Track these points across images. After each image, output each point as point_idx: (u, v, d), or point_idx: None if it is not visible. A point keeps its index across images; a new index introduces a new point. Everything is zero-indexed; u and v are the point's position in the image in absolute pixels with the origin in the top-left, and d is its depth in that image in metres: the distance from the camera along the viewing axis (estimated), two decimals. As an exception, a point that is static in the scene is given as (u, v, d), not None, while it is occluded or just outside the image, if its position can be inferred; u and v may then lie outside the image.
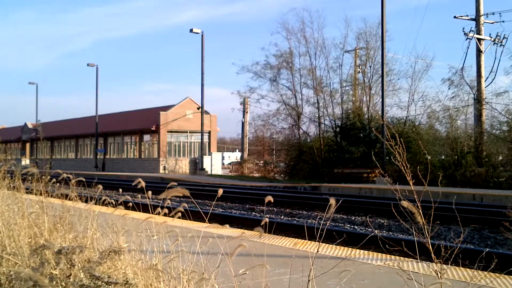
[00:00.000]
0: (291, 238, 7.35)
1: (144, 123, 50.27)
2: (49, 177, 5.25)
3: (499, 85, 41.22)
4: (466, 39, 27.59)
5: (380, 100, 28.50)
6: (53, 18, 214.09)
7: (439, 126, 30.12)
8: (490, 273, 4.49)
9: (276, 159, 44.60)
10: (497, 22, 27.86)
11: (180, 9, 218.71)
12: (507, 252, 8.54)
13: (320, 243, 6.29)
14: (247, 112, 46.45)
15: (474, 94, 27.69)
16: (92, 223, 4.07)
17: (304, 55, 37.02)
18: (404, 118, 32.32)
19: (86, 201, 4.80)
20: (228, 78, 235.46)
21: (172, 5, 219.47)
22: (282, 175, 37.97)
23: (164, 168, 47.68)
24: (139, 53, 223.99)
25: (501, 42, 27.47)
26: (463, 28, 27.68)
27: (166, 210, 3.55)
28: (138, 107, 69.58)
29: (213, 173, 42.37)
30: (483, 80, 27.30)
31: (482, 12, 27.63)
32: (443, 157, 26.74)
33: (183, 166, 47.72)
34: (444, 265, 2.49)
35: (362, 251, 6.15)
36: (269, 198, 3.21)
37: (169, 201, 3.41)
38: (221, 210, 15.71)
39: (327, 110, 35.69)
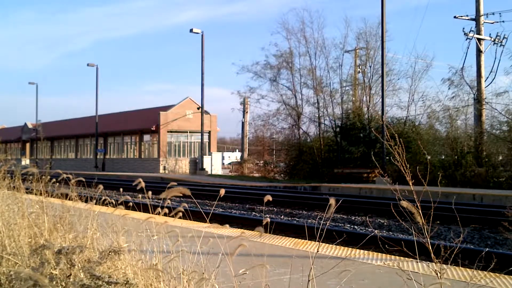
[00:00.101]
0: (291, 238, 7.35)
1: (144, 123, 50.27)
2: (49, 177, 5.26)
3: (499, 85, 41.28)
4: (466, 39, 27.61)
5: (380, 100, 28.51)
6: (53, 18, 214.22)
7: (439, 126, 30.16)
8: (490, 273, 4.50)
9: (276, 159, 44.60)
10: (497, 22, 27.89)
11: (180, 9, 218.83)
12: (507, 252, 8.54)
13: (320, 243, 6.30)
14: (247, 112, 46.45)
15: (474, 94, 27.69)
16: (92, 223, 4.07)
17: (304, 55, 37.08)
18: (404, 118, 32.34)
19: (86, 201, 4.81)
20: (228, 78, 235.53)
21: (172, 5, 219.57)
22: (282, 175, 37.97)
23: (164, 168, 47.68)
24: (139, 53, 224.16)
25: (501, 42, 27.48)
26: (463, 28, 27.72)
27: (166, 210, 3.56)
28: (138, 107, 69.66)
29: (213, 173, 42.37)
30: (483, 80, 27.30)
31: (482, 12, 27.63)
32: (443, 157, 26.74)
33: (183, 166, 47.72)
34: (444, 265, 2.49)
35: (362, 251, 6.15)
36: (268, 197, 3.23)
37: (169, 201, 3.41)
38: (221, 210, 15.72)
39: (327, 110, 35.72)
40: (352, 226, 12.13)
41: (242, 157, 48.61)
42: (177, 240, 3.27)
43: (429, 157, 26.26)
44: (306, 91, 37.89)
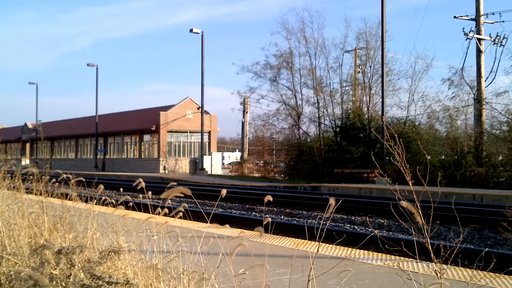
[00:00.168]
0: (291, 238, 7.35)
1: (144, 123, 50.28)
2: (49, 177, 5.26)
3: (499, 85, 41.28)
4: (466, 39, 27.61)
5: (380, 100, 28.51)
6: (53, 18, 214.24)
7: (439, 126, 30.16)
8: (490, 273, 4.50)
9: (276, 159, 44.60)
10: (497, 22, 27.89)
11: (180, 9, 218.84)
12: (506, 252, 8.54)
13: (320, 243, 6.30)
14: (247, 112, 46.45)
15: (474, 94, 27.69)
16: (92, 223, 4.07)
17: (304, 55, 37.07)
18: (404, 118, 32.34)
19: (86, 201, 4.81)
20: (228, 78, 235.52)
21: (172, 5, 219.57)
22: (282, 175, 37.97)
23: (164, 168, 47.69)
24: (139, 53, 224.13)
25: (501, 42, 27.48)
26: (463, 28, 27.72)
27: (166, 210, 3.56)
28: (138, 107, 69.66)
29: (213, 173, 42.37)
30: (483, 80, 27.30)
31: (482, 12, 27.64)
32: (443, 157, 26.74)
33: (183, 166, 47.73)
34: (444, 265, 2.49)
35: (362, 251, 6.15)
36: (269, 198, 3.22)
37: (169, 201, 3.41)
38: (221, 210, 15.72)
39: (327, 110, 35.72)
40: (352, 226, 12.13)
41: (242, 157, 48.62)
42: (177, 240, 3.27)
43: (429, 157, 26.27)
44: (306, 91, 37.95)
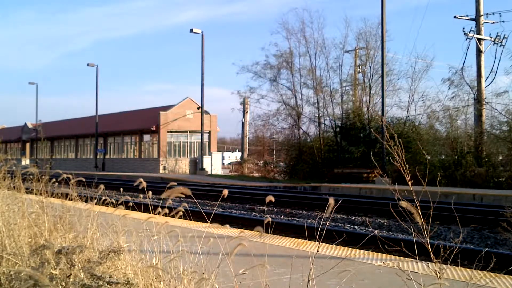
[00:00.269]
0: (291, 238, 7.35)
1: (144, 123, 50.28)
2: (49, 177, 5.26)
3: (499, 85, 41.34)
4: (466, 39, 27.61)
5: (380, 100, 28.51)
6: (53, 18, 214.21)
7: (439, 126, 30.17)
8: (489, 272, 4.50)
9: (276, 159, 44.61)
10: (497, 22, 27.89)
11: (180, 9, 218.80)
12: (506, 252, 8.54)
13: (320, 243, 6.31)
14: (247, 112, 46.46)
15: (474, 94, 27.70)
16: (92, 223, 4.07)
17: (304, 55, 37.08)
18: (404, 118, 32.35)
19: (86, 201, 4.81)
20: (228, 78, 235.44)
21: (172, 5, 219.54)
22: (282, 175, 37.97)
23: (164, 168, 47.70)
24: (139, 53, 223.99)
25: (501, 42, 27.48)
26: (463, 28, 27.73)
27: (166, 210, 3.56)
28: (138, 107, 69.63)
29: (213, 173, 42.37)
30: (483, 80, 27.30)
31: (482, 12, 27.64)
32: (443, 157, 26.74)
33: (183, 166, 47.74)
34: (444, 265, 2.49)
35: (362, 251, 6.15)
36: (270, 198, 3.21)
37: (170, 201, 3.41)
38: (221, 210, 15.72)
39: (327, 110, 35.72)
40: (352, 226, 12.13)
41: (242, 157, 48.62)
42: (177, 240, 3.27)
43: (429, 157, 26.28)
44: (306, 91, 37.93)
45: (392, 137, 2.67)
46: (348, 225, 12.26)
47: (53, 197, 5.08)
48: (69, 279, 3.00)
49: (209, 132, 50.32)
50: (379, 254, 5.97)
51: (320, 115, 35.81)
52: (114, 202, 4.34)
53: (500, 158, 26.32)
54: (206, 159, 42.78)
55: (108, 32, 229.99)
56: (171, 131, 49.29)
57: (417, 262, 5.12)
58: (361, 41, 35.74)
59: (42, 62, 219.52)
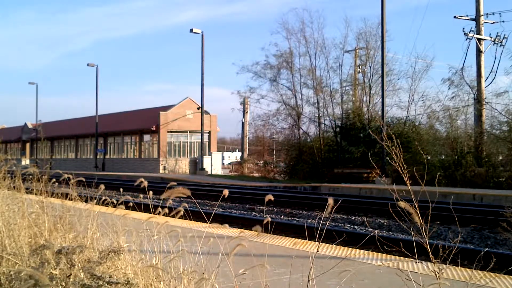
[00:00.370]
0: (291, 238, 7.36)
1: (144, 123, 50.28)
2: (49, 177, 5.26)
3: (499, 85, 41.32)
4: (466, 39, 27.60)
5: (380, 100, 28.50)
6: (53, 18, 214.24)
7: (439, 126, 30.16)
8: (489, 272, 4.50)
9: (276, 159, 44.60)
10: (497, 22, 27.88)
11: (180, 9, 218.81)
12: (506, 252, 8.54)
13: (320, 243, 6.31)
14: (247, 112, 46.46)
15: (474, 94, 27.69)
16: (92, 223, 4.07)
17: (304, 55, 37.06)
18: (404, 118, 32.34)
19: (86, 201, 4.81)
20: (228, 78, 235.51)
21: (172, 5, 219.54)
22: (282, 175, 37.97)
23: (164, 168, 47.70)
24: (139, 53, 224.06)
25: (501, 42, 27.47)
26: (463, 28, 27.72)
27: (166, 210, 3.56)
28: (138, 107, 69.66)
29: (213, 173, 42.37)
30: (483, 80, 27.30)
31: (482, 12, 27.63)
32: (443, 157, 26.74)
33: (183, 166, 47.74)
34: (443, 265, 2.50)
35: (362, 251, 6.15)
36: (269, 197, 3.22)
37: (170, 201, 3.41)
38: (221, 210, 15.72)
39: (327, 110, 35.72)
40: (352, 226, 12.13)
41: (242, 157, 48.62)
42: (177, 240, 3.27)
43: (429, 157, 26.28)
44: (306, 91, 37.92)
45: (390, 137, 2.67)
46: (348, 225, 12.26)
47: (53, 197, 5.08)
48: (69, 279, 3.00)
49: (209, 132, 50.32)
50: (379, 254, 5.97)
51: (320, 115, 35.83)
52: (115, 202, 4.35)
53: (500, 158, 26.31)
54: (206, 159, 42.78)
55: (108, 32, 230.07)
56: (171, 131, 49.29)
57: (416, 262, 5.12)
58: (361, 41, 35.77)
59: (42, 62, 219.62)
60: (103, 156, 54.08)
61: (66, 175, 4.77)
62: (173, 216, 3.48)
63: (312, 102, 36.68)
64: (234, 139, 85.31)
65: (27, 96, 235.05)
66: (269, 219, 3.21)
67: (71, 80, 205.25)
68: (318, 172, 31.88)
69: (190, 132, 49.72)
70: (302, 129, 37.35)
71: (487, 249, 6.92)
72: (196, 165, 43.15)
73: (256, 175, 40.31)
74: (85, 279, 2.92)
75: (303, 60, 37.25)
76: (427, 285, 2.37)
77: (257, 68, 38.80)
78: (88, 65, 50.56)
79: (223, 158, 63.69)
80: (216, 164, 45.39)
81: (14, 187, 5.56)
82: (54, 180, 5.40)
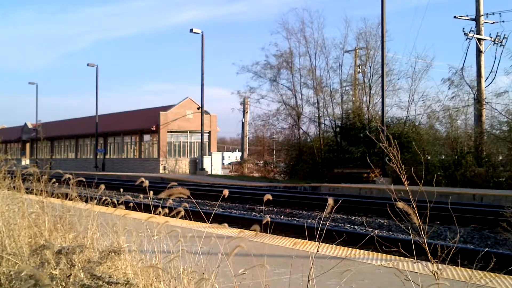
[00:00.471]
0: (291, 238, 7.36)
1: (144, 123, 50.28)
2: (49, 177, 5.26)
3: (499, 85, 41.35)
4: (466, 39, 27.60)
5: (380, 100, 28.50)
6: (53, 18, 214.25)
7: (439, 126, 30.15)
8: (489, 272, 4.50)
9: (276, 159, 44.60)
10: (497, 22, 27.88)
11: (180, 9, 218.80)
12: (506, 252, 8.54)
13: (320, 243, 6.31)
14: (247, 112, 46.46)
15: (474, 94, 27.69)
16: (92, 223, 4.07)
17: (304, 55, 37.06)
18: (404, 118, 32.33)
19: (86, 201, 4.81)
20: (228, 78, 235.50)
21: (172, 5, 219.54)
22: (282, 175, 37.97)
23: (164, 168, 47.70)
24: (139, 53, 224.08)
25: (501, 42, 27.47)
26: (463, 28, 27.71)
27: (167, 210, 3.57)
28: (138, 107, 69.70)
29: (213, 173, 42.37)
30: (483, 80, 27.30)
31: (482, 12, 27.63)
32: (443, 157, 26.74)
33: (183, 166, 47.74)
34: (443, 265, 2.50)
35: (362, 251, 6.15)
36: (268, 196, 3.24)
37: (171, 201, 3.42)
38: (221, 210, 15.72)
39: (327, 110, 35.72)
40: (352, 226, 12.13)
41: (242, 157, 48.61)
42: (177, 240, 3.27)
43: (429, 157, 26.28)
44: (306, 91, 37.93)
45: (388, 138, 2.67)
46: (348, 225, 12.26)
47: (53, 197, 5.08)
48: (69, 279, 3.00)
49: (209, 132, 50.33)
50: (379, 254, 5.96)
51: (320, 115, 35.83)
52: (115, 201, 4.35)
53: (500, 158, 26.31)
54: (206, 159, 42.79)
55: (108, 32, 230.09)
56: (171, 131, 49.29)
57: (416, 262, 5.12)
58: (361, 41, 35.78)
59: (42, 62, 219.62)
60: (103, 156, 54.08)
61: (66, 175, 4.78)
62: (173, 216, 3.48)
63: (312, 102, 36.73)
64: (234, 139, 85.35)
65: (27, 96, 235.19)
66: (269, 219, 3.22)
67: (71, 80, 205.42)
68: (318, 172, 31.88)
69: (190, 132, 49.72)
70: (302, 129, 37.39)
71: (487, 249, 6.92)
72: (196, 165, 43.15)
73: (256, 175, 40.31)
74: (85, 279, 2.92)
75: (303, 60, 37.30)
76: (427, 285, 2.38)
77: (257, 68, 38.84)
78: (88, 65, 50.59)
79: (223, 158, 63.70)
80: (216, 164, 45.39)
81: (14, 187, 5.56)
82: (54, 180, 5.40)
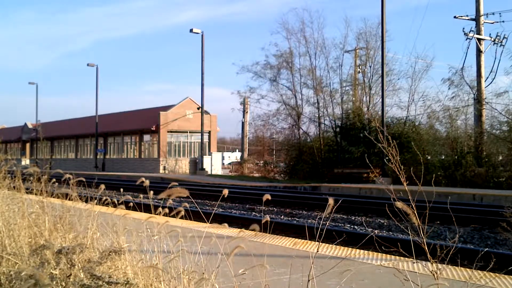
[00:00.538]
0: (291, 238, 7.36)
1: (144, 123, 50.28)
2: (49, 177, 5.26)
3: (499, 85, 41.33)
4: (466, 39, 27.60)
5: (380, 100, 28.50)
6: (53, 18, 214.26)
7: (439, 126, 30.15)
8: (489, 272, 4.50)
9: (276, 159, 44.61)
10: (497, 22, 27.87)
11: (180, 9, 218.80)
12: (506, 252, 8.55)
13: (320, 243, 6.31)
14: (247, 112, 46.46)
15: (474, 94, 27.69)
16: (92, 223, 4.08)
17: (304, 55, 37.07)
18: (404, 118, 32.33)
19: (86, 201, 4.81)
20: (228, 78, 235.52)
21: (172, 5, 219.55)
22: (282, 175, 37.97)
23: (164, 168, 47.70)
24: (139, 53, 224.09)
25: (501, 42, 27.47)
26: (463, 28, 27.71)
27: (167, 210, 3.57)
28: (138, 107, 69.69)
29: (213, 173, 42.37)
30: (483, 80, 27.30)
31: (482, 12, 27.63)
32: (443, 157, 26.75)
33: (183, 166, 47.74)
34: (443, 265, 2.50)
35: (362, 251, 6.15)
36: (267, 196, 3.24)
37: (171, 201, 3.42)
38: (221, 210, 15.72)
39: (327, 110, 35.72)
40: (352, 226, 12.13)
41: (242, 157, 48.62)
42: (177, 240, 3.28)
43: (429, 157, 26.28)
44: (306, 91, 37.93)
45: (388, 138, 2.67)
46: (348, 225, 12.26)
47: (53, 197, 5.08)
48: (69, 279, 3.01)
49: (209, 132, 50.33)
50: (379, 254, 5.96)
51: (320, 115, 35.83)
52: (115, 201, 4.35)
53: (500, 158, 26.31)
54: (206, 159, 42.79)
55: (108, 32, 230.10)
56: (171, 131, 49.30)
57: (416, 262, 5.12)
58: (361, 41, 35.78)
59: (42, 62, 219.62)
60: (103, 156, 54.08)
61: (66, 175, 4.78)
62: (173, 216, 3.48)
63: (312, 102, 36.73)
64: (234, 139, 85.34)
65: (27, 96, 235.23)
66: (268, 218, 3.22)
67: (71, 80, 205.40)
68: (318, 172, 31.88)
69: (190, 132, 49.72)
70: (302, 129, 37.39)
71: (487, 249, 6.93)
72: (196, 165, 43.15)
73: (256, 175, 40.32)
74: (85, 279, 2.92)
75: (303, 60, 37.31)
76: (426, 285, 2.38)
77: (257, 68, 38.85)
78: (88, 65, 50.59)
79: (223, 158, 63.69)
80: (216, 164, 45.40)
81: (14, 187, 5.56)
82: (54, 180, 5.40)
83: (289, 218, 13.70)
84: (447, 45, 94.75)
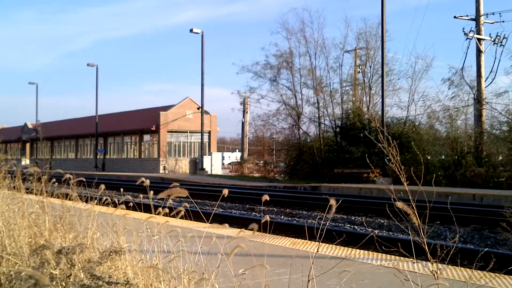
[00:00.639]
0: (291, 238, 7.36)
1: (144, 123, 50.28)
2: (49, 177, 5.26)
3: (499, 85, 41.38)
4: (466, 39, 27.60)
5: (380, 100, 28.50)
6: (53, 18, 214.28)
7: (439, 126, 30.16)
8: (489, 272, 4.50)
9: (276, 159, 44.60)
10: (497, 22, 27.88)
11: (180, 9, 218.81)
12: (506, 252, 8.54)
13: (320, 243, 6.31)
14: (247, 112, 46.46)
15: (474, 94, 27.69)
16: (93, 223, 4.07)
17: (304, 55, 37.07)
18: (404, 118, 32.33)
19: (86, 201, 4.81)
20: (228, 78, 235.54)
21: (172, 5, 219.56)
22: (282, 175, 37.97)
23: (164, 168, 47.69)
24: (139, 53, 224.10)
25: (501, 42, 27.47)
26: (463, 28, 27.71)
27: (167, 210, 3.57)
28: (138, 107, 69.70)
29: (213, 173, 42.37)
30: (483, 80, 27.30)
31: (482, 12, 27.63)
32: (443, 157, 26.75)
33: (183, 166, 47.73)
34: (443, 265, 2.50)
35: (362, 251, 6.15)
36: (266, 197, 3.25)
37: (171, 201, 3.42)
38: (221, 210, 15.72)
39: (327, 110, 35.71)
40: (352, 226, 12.13)
41: (242, 157, 48.61)
42: (177, 240, 3.28)
43: (429, 157, 26.28)
44: (306, 91, 37.93)
45: (388, 139, 2.67)
46: (348, 225, 12.26)
47: (53, 197, 5.08)
48: (69, 279, 3.01)
49: (209, 132, 50.33)
50: (379, 254, 5.96)
51: (320, 115, 35.83)
52: (115, 201, 4.35)
53: (500, 158, 26.31)
54: (206, 159, 42.78)
55: (108, 32, 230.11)
56: (171, 131, 49.29)
57: (416, 262, 5.12)
58: (361, 41, 35.78)
59: (42, 62, 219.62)
60: (103, 156, 54.08)
61: (66, 175, 4.78)
62: (174, 216, 3.48)
63: (312, 102, 36.73)
64: (234, 139, 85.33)
65: (27, 96, 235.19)
66: (268, 218, 3.22)
67: (71, 80, 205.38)
68: (318, 172, 31.87)
69: (190, 132, 49.72)
70: (302, 129, 37.39)
71: (486, 249, 6.93)
72: (196, 165, 43.15)
73: (256, 175, 40.31)
74: (85, 279, 2.92)
75: (303, 60, 37.31)
76: (426, 285, 2.38)
77: (257, 68, 38.85)
78: (88, 65, 50.59)
79: (223, 158, 63.70)
80: (216, 164, 45.39)
81: (14, 187, 5.56)
82: (54, 180, 5.40)
83: (289, 218, 13.70)
84: (447, 45, 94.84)
